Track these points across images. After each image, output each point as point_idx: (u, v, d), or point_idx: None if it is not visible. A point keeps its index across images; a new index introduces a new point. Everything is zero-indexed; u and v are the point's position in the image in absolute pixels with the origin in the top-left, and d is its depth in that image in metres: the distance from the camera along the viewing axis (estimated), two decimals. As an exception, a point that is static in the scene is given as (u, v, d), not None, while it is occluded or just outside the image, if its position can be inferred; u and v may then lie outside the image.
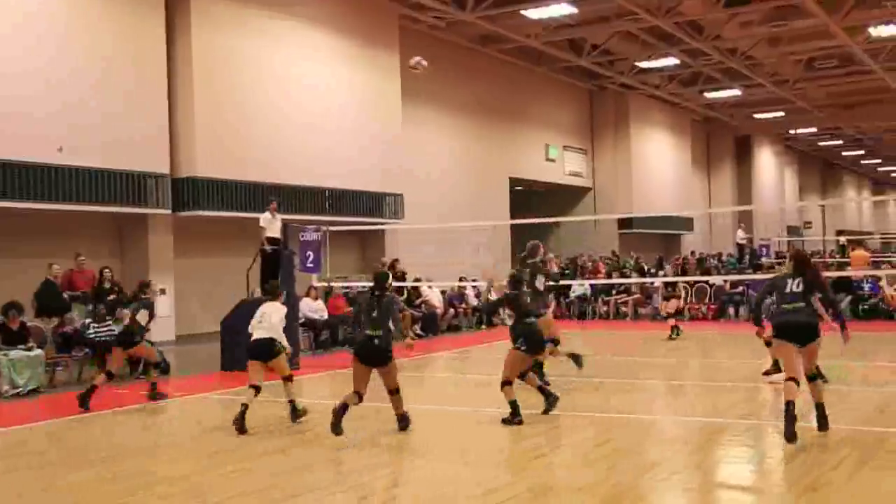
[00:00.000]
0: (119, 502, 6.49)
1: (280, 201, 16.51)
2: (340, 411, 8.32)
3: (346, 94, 21.34)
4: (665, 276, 24.60)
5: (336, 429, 8.25)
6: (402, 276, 18.09)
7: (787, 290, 8.06)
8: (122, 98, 16.50)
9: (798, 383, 7.77)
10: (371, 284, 8.84)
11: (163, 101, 17.29)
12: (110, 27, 16.47)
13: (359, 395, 8.45)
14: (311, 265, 15.91)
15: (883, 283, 20.01)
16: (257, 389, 9.21)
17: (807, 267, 8.29)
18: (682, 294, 21.71)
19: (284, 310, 9.77)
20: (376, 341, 8.43)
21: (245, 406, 8.94)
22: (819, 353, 8.09)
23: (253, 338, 9.44)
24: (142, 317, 11.06)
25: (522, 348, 8.98)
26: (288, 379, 9.44)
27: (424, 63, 13.54)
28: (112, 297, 14.63)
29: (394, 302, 8.70)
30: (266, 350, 9.36)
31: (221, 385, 12.61)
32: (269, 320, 9.42)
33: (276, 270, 15.20)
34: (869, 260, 22.73)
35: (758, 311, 9.46)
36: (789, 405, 7.59)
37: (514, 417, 8.83)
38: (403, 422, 8.65)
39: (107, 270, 15.11)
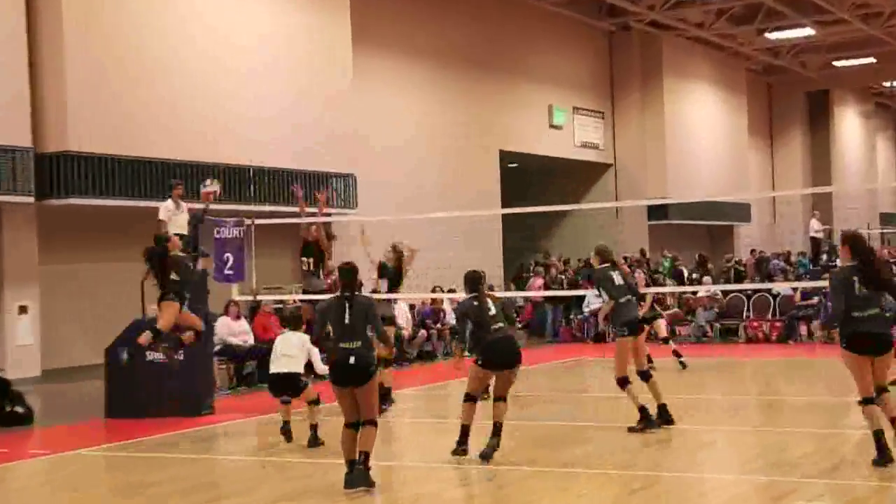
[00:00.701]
0: None
1: (186, 185, 16.50)
2: (350, 465, 8.95)
3: (276, 42, 21.35)
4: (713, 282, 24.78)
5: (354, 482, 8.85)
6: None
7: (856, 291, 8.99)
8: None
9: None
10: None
11: (21, 55, 17.29)
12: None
13: (354, 426, 9.01)
14: (231, 272, 15.90)
15: None
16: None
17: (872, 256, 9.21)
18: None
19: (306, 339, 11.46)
20: (352, 359, 8.91)
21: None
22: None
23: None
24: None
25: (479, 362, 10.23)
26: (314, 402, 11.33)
27: None
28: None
29: (371, 303, 9.30)
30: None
31: (107, 437, 12.64)
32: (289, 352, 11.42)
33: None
34: None
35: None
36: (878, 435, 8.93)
37: (458, 445, 10.23)
38: (366, 461, 8.94)
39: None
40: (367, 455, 8.96)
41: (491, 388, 10.53)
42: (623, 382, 11.45)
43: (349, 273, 9.26)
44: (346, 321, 8.98)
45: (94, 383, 14.77)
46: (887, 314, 9.43)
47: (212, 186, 15.60)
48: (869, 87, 47.11)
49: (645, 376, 11.70)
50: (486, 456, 9.94)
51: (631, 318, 11.63)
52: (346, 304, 9.04)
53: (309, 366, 11.81)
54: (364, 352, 8.98)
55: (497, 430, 10.08)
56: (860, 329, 8.83)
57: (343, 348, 8.94)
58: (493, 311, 10.18)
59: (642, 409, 11.36)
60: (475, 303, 10.27)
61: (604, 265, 11.89)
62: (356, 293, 9.26)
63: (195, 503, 9.17)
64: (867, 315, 8.84)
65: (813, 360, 19.26)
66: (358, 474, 8.87)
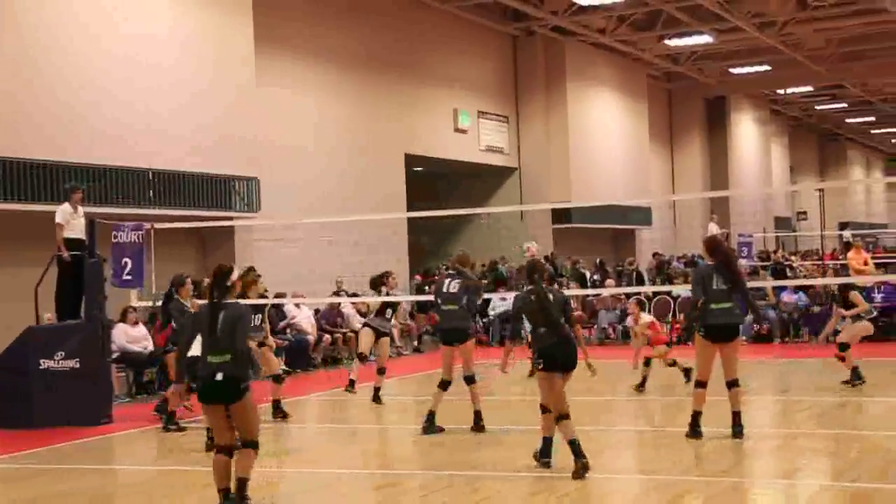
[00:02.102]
0: None
1: (84, 188, 16.10)
2: (223, 496, 8.19)
3: (176, 42, 20.92)
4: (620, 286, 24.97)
5: None
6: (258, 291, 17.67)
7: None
8: None
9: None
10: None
11: None
12: None
13: (226, 451, 8.28)
14: (129, 277, 15.57)
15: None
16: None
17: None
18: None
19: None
20: (219, 375, 8.10)
21: None
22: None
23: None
24: None
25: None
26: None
27: None
28: None
29: (243, 313, 8.50)
30: None
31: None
32: None
33: (78, 286, 14.88)
34: (864, 261, 23.36)
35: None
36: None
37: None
38: (241, 490, 8.23)
39: None
40: (243, 482, 8.21)
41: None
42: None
43: (222, 275, 8.43)
44: (218, 333, 8.17)
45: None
46: (736, 311, 10.96)
47: None
48: (764, 94, 48.05)
49: (469, 380, 12.07)
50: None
51: (448, 328, 12.16)
52: (215, 314, 8.26)
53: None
54: (235, 365, 8.12)
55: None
56: (716, 321, 10.56)
57: (210, 363, 8.13)
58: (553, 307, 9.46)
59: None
60: (532, 297, 9.52)
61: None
62: (227, 300, 8.38)
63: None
64: (721, 308, 10.66)
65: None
66: None
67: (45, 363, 14.07)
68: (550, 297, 9.55)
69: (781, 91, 47.21)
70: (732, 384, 10.91)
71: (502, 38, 33.31)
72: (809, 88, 46.12)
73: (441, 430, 11.92)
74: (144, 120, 20.01)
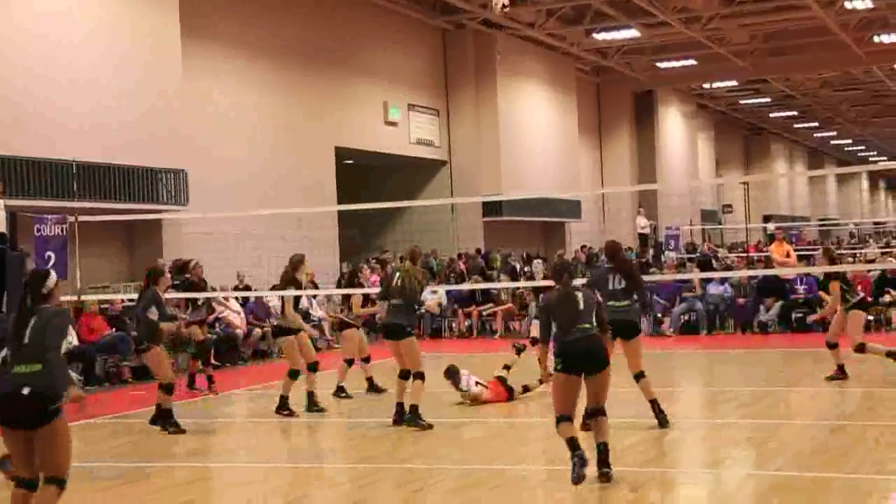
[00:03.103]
0: None
1: (4, 180, 15.79)
2: None
3: (101, 35, 20.61)
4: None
5: None
6: (200, 285, 17.18)
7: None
8: None
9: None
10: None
11: None
12: None
13: (27, 484, 6.97)
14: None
15: None
16: None
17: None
18: None
19: None
20: (26, 389, 6.73)
21: None
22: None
23: None
24: None
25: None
26: None
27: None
28: None
29: (59, 314, 7.15)
30: None
31: None
32: None
33: (0, 278, 14.60)
34: (786, 253, 23.68)
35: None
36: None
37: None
38: None
39: None
40: None
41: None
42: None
43: (38, 277, 7.30)
44: (25, 341, 6.89)
45: None
46: (636, 305, 11.51)
47: None
48: (690, 89, 48.53)
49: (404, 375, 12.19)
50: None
51: (389, 323, 12.21)
52: (28, 318, 7.01)
53: None
54: (43, 380, 6.77)
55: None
56: (613, 318, 10.34)
57: (15, 374, 6.80)
58: (581, 306, 8.81)
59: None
60: (561, 297, 8.90)
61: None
62: (46, 302, 7.16)
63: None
64: (619, 306, 11.08)
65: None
66: None
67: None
68: (580, 296, 8.89)
69: (707, 85, 47.75)
70: (639, 376, 11.21)
71: (432, 31, 33.25)
72: (734, 83, 46.69)
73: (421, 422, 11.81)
74: (68, 112, 19.69)
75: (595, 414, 8.75)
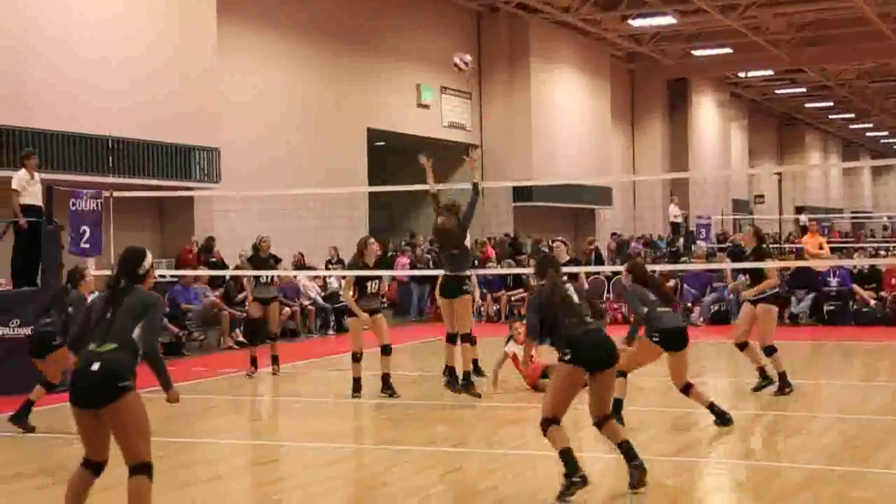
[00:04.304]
0: None
1: (42, 154, 15.92)
2: None
3: (137, 13, 20.74)
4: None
5: None
6: (274, 260, 16.08)
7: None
8: None
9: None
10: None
11: None
12: None
13: (95, 467, 6.69)
14: (87, 245, 15.41)
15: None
16: None
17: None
18: None
19: None
20: (95, 365, 6.45)
21: None
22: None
23: None
24: None
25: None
26: None
27: (468, 60, 14.82)
28: None
29: (154, 305, 6.80)
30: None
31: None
32: None
33: (35, 252, 14.74)
34: (819, 245, 23.71)
35: None
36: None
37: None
38: None
39: None
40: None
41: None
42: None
43: (134, 257, 6.93)
44: (108, 316, 6.62)
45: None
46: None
47: None
48: (725, 77, 48.27)
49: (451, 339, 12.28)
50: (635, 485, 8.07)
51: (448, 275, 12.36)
52: (113, 299, 6.70)
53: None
54: (115, 360, 6.47)
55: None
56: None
57: (89, 352, 6.53)
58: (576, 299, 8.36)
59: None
60: (550, 290, 8.32)
61: None
62: (134, 284, 6.83)
63: (52, 481, 8.80)
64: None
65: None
66: None
67: (0, 331, 13.94)
68: (570, 288, 8.45)
69: (742, 74, 47.46)
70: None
71: (466, 13, 33.23)
72: (769, 72, 46.41)
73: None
74: (104, 89, 19.84)
75: (603, 422, 8.17)
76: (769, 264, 12.67)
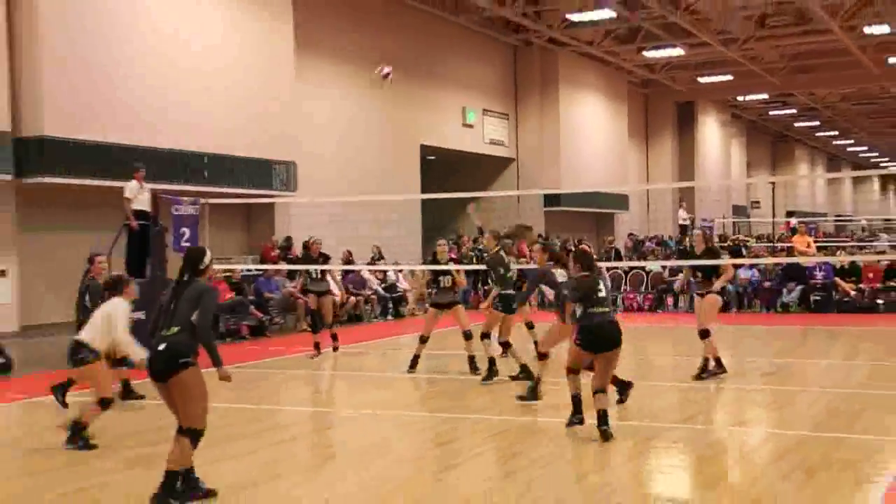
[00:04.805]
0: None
1: (149, 168, 16.13)
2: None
3: (229, 45, 20.94)
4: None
5: None
6: (323, 259, 15.67)
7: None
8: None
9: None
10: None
11: (2, 52, 16.65)
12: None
13: (180, 430, 6.71)
14: (187, 244, 15.57)
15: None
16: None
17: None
18: None
19: (123, 306, 9.11)
20: (162, 345, 6.62)
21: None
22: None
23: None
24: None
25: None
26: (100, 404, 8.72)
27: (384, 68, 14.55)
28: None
29: (208, 291, 6.85)
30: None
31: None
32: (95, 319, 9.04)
33: (144, 250, 14.95)
34: (806, 244, 23.54)
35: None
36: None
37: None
38: (165, 485, 6.56)
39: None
40: (169, 476, 6.56)
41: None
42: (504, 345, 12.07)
43: (195, 255, 6.99)
44: (172, 306, 6.77)
45: (65, 337, 14.34)
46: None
47: None
48: (726, 100, 47.87)
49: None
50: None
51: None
52: (178, 291, 6.82)
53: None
54: (177, 341, 6.59)
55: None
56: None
57: (160, 337, 6.68)
58: (602, 292, 8.79)
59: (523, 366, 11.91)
60: (590, 281, 8.78)
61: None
62: (196, 278, 6.89)
63: (157, 440, 8.94)
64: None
65: (676, 326, 19.50)
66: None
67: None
68: (600, 281, 8.75)
69: (741, 98, 47.05)
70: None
71: (504, 47, 33.20)
72: (765, 96, 45.96)
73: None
74: (201, 113, 20.04)
75: (597, 393, 8.60)
76: (765, 260, 12.55)
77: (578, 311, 8.72)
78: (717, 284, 12.02)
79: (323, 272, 15.42)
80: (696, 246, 12.43)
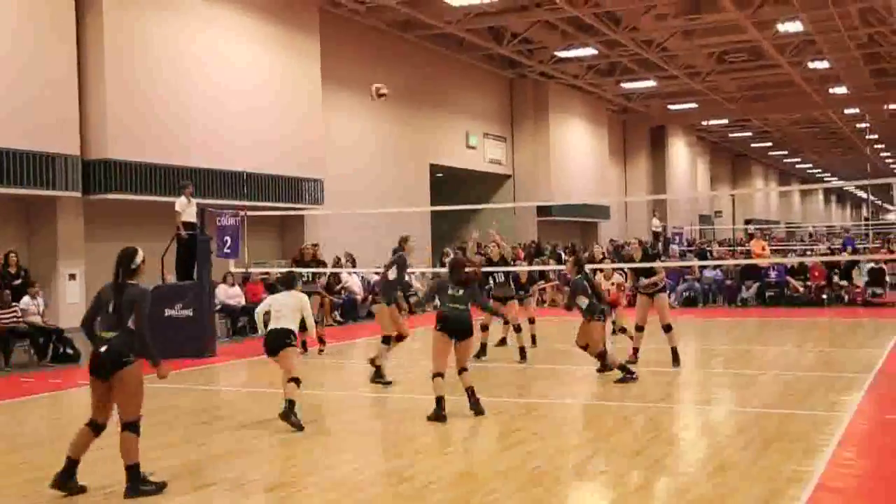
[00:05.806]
0: (12, 494, 6.23)
1: (196, 185, 16.11)
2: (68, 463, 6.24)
3: (265, 78, 20.94)
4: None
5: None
6: (319, 262, 16.86)
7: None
8: (27, 76, 15.81)
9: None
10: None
11: (72, 80, 16.66)
12: (16, 3, 15.77)
13: (95, 426, 6.31)
14: (229, 251, 15.55)
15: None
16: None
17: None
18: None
19: (304, 298, 8.97)
20: (103, 348, 6.17)
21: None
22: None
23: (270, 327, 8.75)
24: (392, 273, 11.18)
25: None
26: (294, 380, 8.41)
27: (380, 87, 15.02)
28: (17, 281, 14.12)
29: (142, 297, 6.30)
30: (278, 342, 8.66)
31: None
32: (286, 311, 8.82)
33: (192, 256, 14.92)
34: (762, 248, 23.54)
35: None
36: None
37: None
38: (131, 479, 6.19)
39: (12, 255, 14.57)
40: (130, 471, 6.17)
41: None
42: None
43: (126, 256, 6.43)
44: (110, 310, 6.26)
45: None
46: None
47: None
48: (693, 125, 47.72)
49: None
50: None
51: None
52: (116, 292, 6.29)
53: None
54: (118, 342, 6.15)
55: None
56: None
57: (100, 338, 6.23)
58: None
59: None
60: (588, 280, 10.60)
61: None
62: (130, 282, 6.35)
63: (200, 421, 8.90)
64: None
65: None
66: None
67: (169, 311, 14.12)
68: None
69: (705, 123, 46.92)
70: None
71: (502, 79, 33.14)
72: (725, 121, 45.83)
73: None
74: (240, 135, 20.03)
75: (585, 350, 10.55)
76: (726, 262, 12.46)
77: (585, 303, 10.35)
78: (648, 282, 11.81)
79: (313, 275, 15.13)
80: (635, 253, 12.21)
